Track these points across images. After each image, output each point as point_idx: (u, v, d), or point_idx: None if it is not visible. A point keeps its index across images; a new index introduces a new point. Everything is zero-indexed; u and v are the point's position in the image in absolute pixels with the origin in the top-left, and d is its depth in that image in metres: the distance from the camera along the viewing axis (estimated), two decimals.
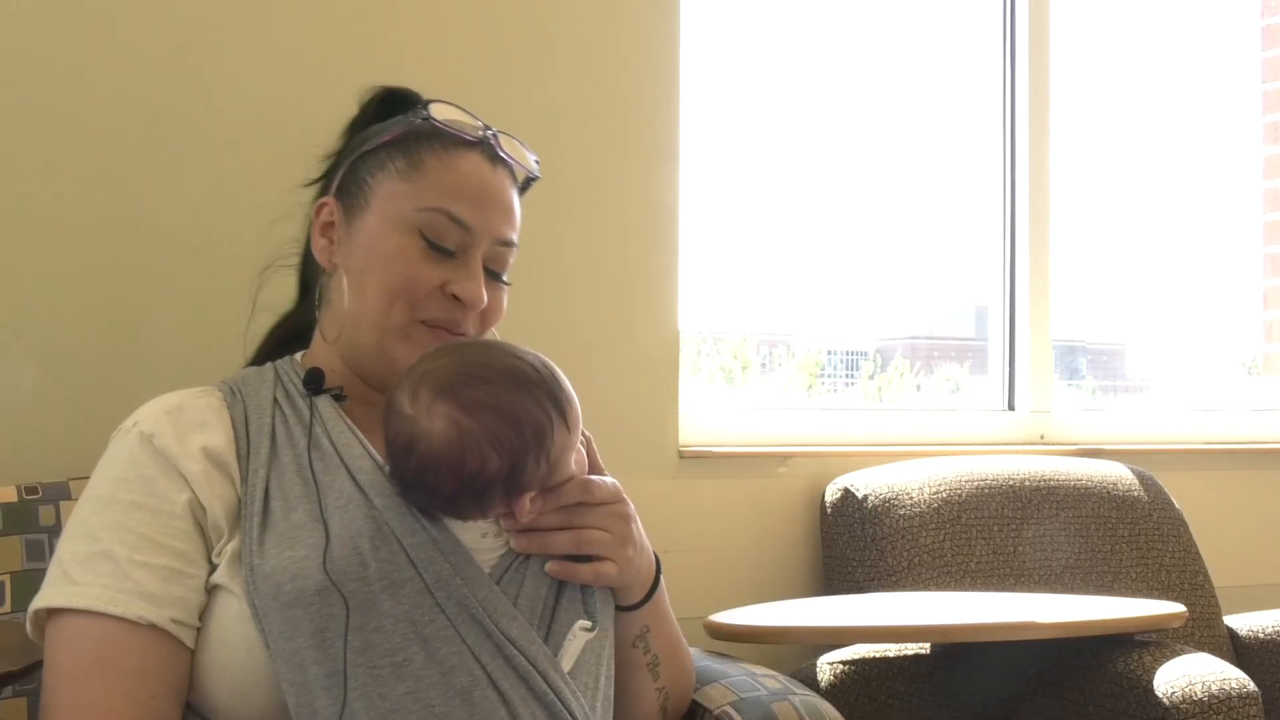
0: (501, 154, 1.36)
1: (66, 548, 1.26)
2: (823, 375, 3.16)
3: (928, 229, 3.10)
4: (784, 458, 2.53)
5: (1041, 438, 2.90)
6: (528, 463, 1.18)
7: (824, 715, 1.52)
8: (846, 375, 3.21)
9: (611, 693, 1.27)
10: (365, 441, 1.28)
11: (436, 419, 1.17)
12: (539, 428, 1.18)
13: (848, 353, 3.20)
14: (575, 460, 1.26)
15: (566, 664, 1.18)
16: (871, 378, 3.17)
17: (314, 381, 1.34)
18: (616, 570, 1.25)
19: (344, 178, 1.41)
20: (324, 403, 1.32)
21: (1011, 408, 2.95)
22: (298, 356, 1.45)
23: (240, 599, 1.19)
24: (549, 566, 1.23)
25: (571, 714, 1.16)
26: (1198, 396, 3.52)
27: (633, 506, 1.31)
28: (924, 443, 2.73)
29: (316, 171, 1.52)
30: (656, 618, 1.34)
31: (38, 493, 1.75)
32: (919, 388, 3.20)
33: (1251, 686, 1.96)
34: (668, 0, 2.36)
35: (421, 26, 2.18)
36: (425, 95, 1.47)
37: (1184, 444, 3.00)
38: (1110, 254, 3.33)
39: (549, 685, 1.15)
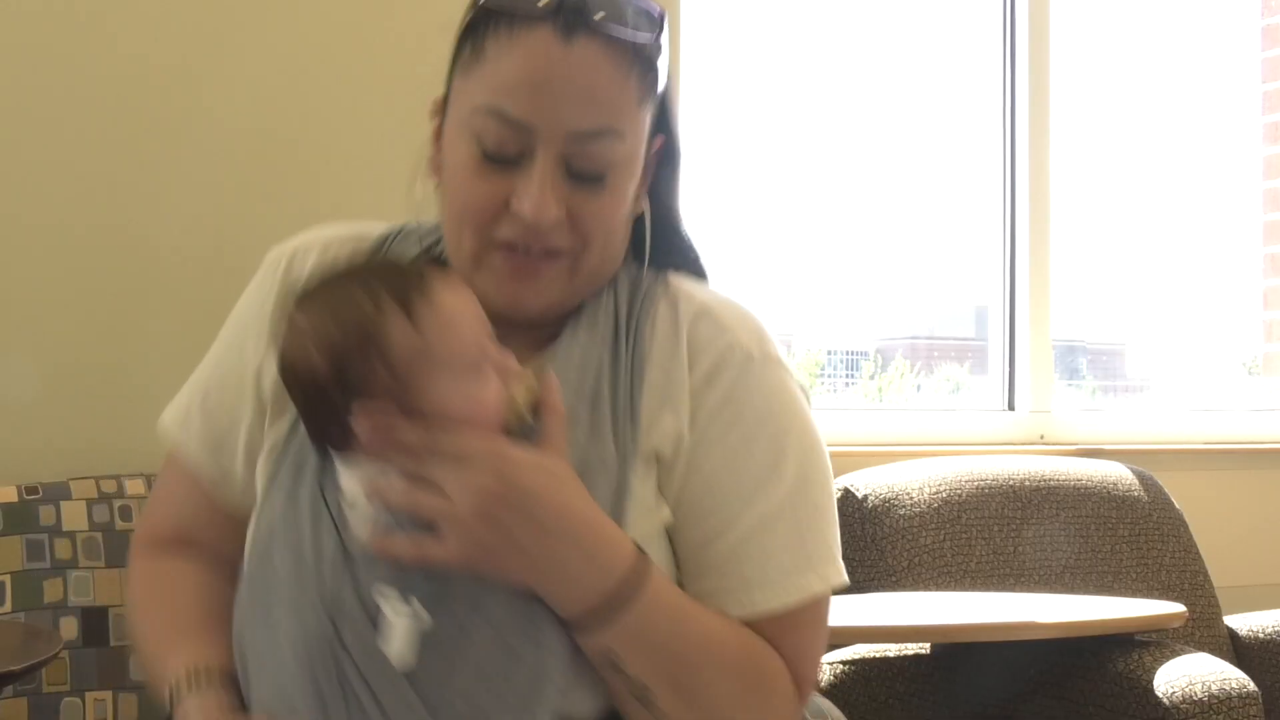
0: (586, 20, 1.05)
1: (206, 358, 1.26)
2: (823, 375, 3.16)
3: (928, 229, 3.10)
4: None
5: (1041, 438, 2.90)
6: (355, 363, 0.97)
7: (826, 714, 1.52)
8: (846, 375, 3.21)
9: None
10: None
11: (287, 330, 1.02)
12: (359, 317, 0.98)
13: (848, 353, 3.20)
14: (479, 395, 1.01)
15: (399, 652, 0.95)
16: (871, 378, 3.17)
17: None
18: (446, 552, 0.97)
19: (449, 69, 1.15)
20: None
21: (1011, 408, 2.95)
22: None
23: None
24: (369, 539, 0.98)
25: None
26: (1198, 396, 3.52)
27: (560, 502, 1.00)
28: (924, 443, 2.73)
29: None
30: (630, 646, 1.01)
31: (38, 493, 1.75)
32: (919, 388, 3.20)
33: (1251, 686, 1.96)
34: (668, 1, 2.36)
35: (421, 28, 2.17)
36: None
37: (1184, 444, 3.00)
38: (1110, 254, 3.33)
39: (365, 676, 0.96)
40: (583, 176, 1.07)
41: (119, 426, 1.95)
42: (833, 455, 2.74)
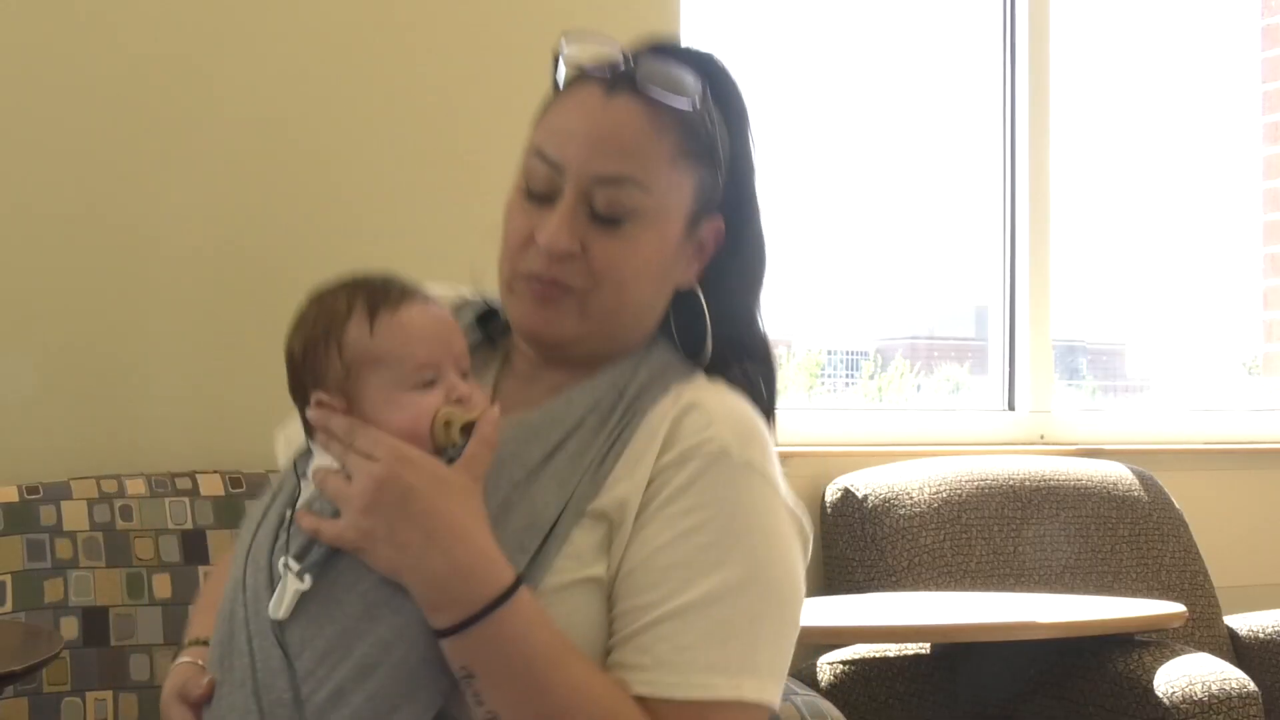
0: (630, 80, 1.17)
1: None
2: (823, 375, 3.16)
3: (928, 229, 3.10)
4: (784, 458, 2.52)
5: (1041, 438, 2.90)
6: (319, 349, 1.11)
7: (826, 715, 1.53)
8: (846, 375, 3.22)
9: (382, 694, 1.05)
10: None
11: (295, 315, 1.17)
12: (332, 313, 1.12)
13: (848, 353, 3.20)
14: (409, 403, 1.10)
15: (279, 609, 1.06)
16: (871, 378, 3.17)
17: (485, 320, 1.27)
18: (336, 532, 1.06)
19: None
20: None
21: (1011, 408, 2.96)
22: None
23: None
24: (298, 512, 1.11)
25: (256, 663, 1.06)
26: (1198, 396, 3.52)
27: (434, 508, 1.05)
28: (924, 443, 2.73)
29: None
30: (485, 669, 1.04)
31: (38, 493, 1.75)
32: (919, 388, 3.20)
33: (1251, 686, 1.97)
34: (668, 0, 2.36)
35: (421, 29, 2.18)
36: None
37: (1184, 444, 3.00)
38: (1110, 254, 3.33)
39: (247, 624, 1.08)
40: (602, 218, 1.15)
41: (119, 426, 1.95)
42: (833, 455, 2.74)
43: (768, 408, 1.25)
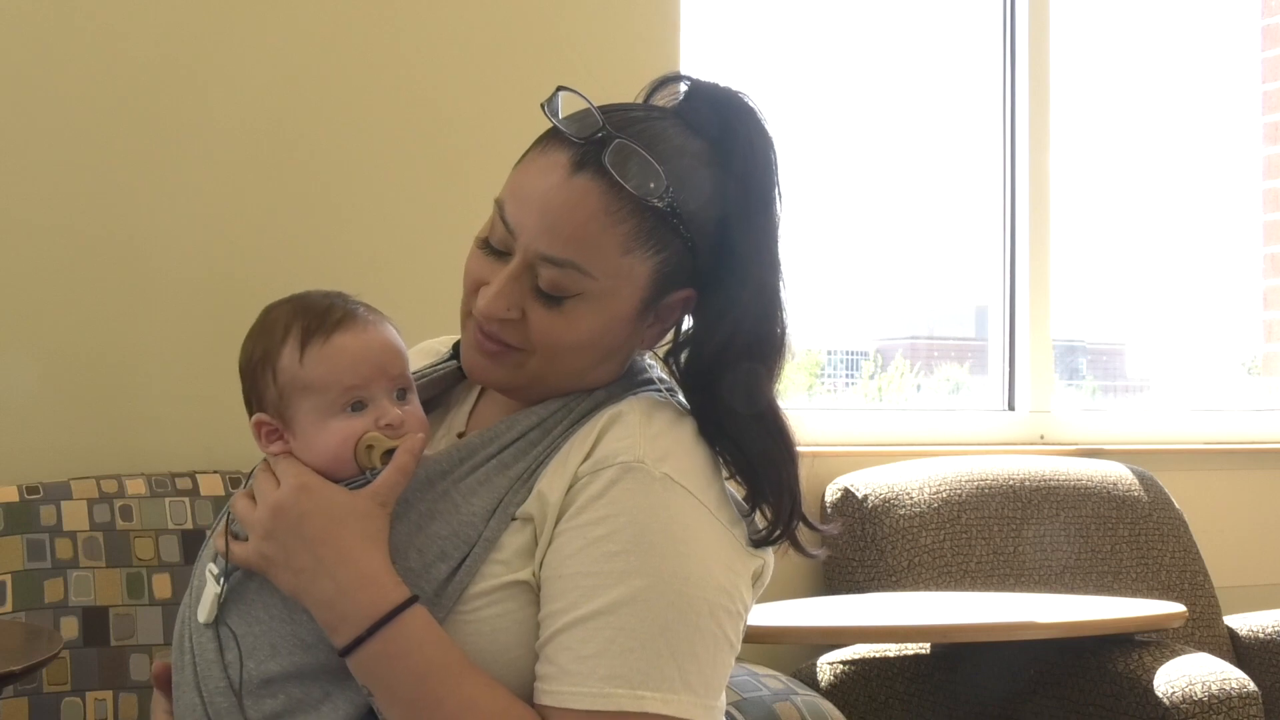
0: (603, 161, 1.12)
1: None
2: (823, 375, 3.16)
3: (928, 229, 3.10)
4: None
5: (1041, 438, 2.90)
6: (257, 371, 1.17)
7: (826, 715, 1.53)
8: (846, 375, 3.21)
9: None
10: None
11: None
12: (269, 340, 1.17)
13: (848, 353, 3.20)
14: (329, 426, 1.15)
15: (201, 612, 1.15)
16: (871, 378, 3.17)
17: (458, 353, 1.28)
18: (243, 555, 1.13)
19: None
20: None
21: (1011, 408, 2.96)
22: None
23: None
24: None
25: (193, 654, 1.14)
26: (1198, 396, 3.52)
27: (317, 535, 1.10)
28: (924, 443, 2.73)
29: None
30: (376, 688, 1.09)
31: (39, 492, 1.75)
32: (919, 388, 3.20)
33: (1251, 686, 1.97)
34: (668, 0, 2.36)
35: (421, 30, 2.18)
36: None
37: (1184, 444, 3.00)
38: (1110, 254, 3.33)
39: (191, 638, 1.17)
40: (542, 293, 1.14)
41: (119, 426, 1.95)
42: (833, 455, 2.73)
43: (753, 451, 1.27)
